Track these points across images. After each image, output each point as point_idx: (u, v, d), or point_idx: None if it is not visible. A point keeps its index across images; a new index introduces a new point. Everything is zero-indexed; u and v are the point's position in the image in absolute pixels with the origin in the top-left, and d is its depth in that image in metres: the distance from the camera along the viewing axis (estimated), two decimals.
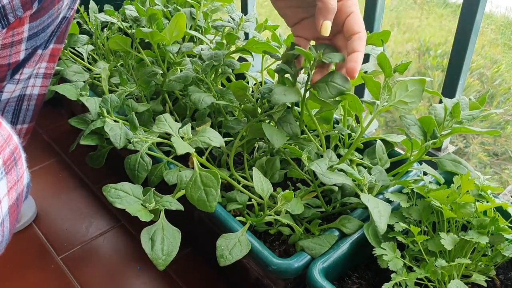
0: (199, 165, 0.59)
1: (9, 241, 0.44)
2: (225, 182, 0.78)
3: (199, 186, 0.57)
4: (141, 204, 0.60)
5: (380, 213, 0.59)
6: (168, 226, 0.59)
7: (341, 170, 0.65)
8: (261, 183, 0.61)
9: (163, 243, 0.57)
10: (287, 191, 0.62)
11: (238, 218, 0.68)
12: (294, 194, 0.68)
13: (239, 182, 0.72)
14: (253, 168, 0.62)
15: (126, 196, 0.60)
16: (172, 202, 0.60)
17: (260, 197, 0.67)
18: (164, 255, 0.57)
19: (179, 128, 0.63)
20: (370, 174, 0.68)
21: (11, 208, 0.42)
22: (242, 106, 0.74)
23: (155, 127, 0.62)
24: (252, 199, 0.69)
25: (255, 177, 0.60)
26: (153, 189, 0.61)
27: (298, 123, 0.70)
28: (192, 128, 0.86)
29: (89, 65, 0.98)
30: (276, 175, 0.73)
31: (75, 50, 1.00)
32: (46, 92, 0.82)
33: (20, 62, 0.71)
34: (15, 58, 0.68)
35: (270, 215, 0.64)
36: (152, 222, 0.60)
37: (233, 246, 0.61)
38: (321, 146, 0.77)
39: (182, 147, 0.57)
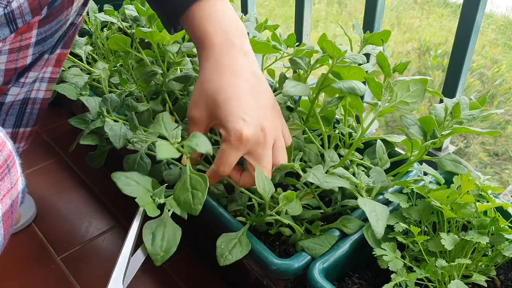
0: (191, 168, 0.59)
1: (3, 247, 0.44)
2: (224, 182, 0.78)
3: (187, 188, 0.57)
4: (151, 197, 0.59)
5: (377, 217, 0.59)
6: (171, 222, 0.59)
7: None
8: (263, 183, 0.61)
9: (163, 239, 0.57)
10: (288, 191, 0.62)
11: (238, 218, 0.67)
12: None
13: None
14: (256, 168, 0.61)
15: (136, 185, 0.60)
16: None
17: (261, 197, 0.67)
18: (162, 251, 0.56)
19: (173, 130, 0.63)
20: (369, 175, 0.68)
21: (5, 215, 0.42)
22: None
23: (151, 128, 0.61)
24: (253, 199, 0.69)
25: (257, 177, 0.60)
26: (165, 184, 0.61)
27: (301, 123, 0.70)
28: None
29: (88, 67, 0.98)
30: (277, 176, 0.73)
31: (74, 51, 1.00)
32: (50, 96, 0.82)
33: (27, 66, 0.71)
34: (22, 62, 0.68)
35: (271, 215, 0.64)
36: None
37: (233, 246, 0.61)
38: (322, 146, 0.77)
39: (164, 152, 0.55)
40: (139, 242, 0.58)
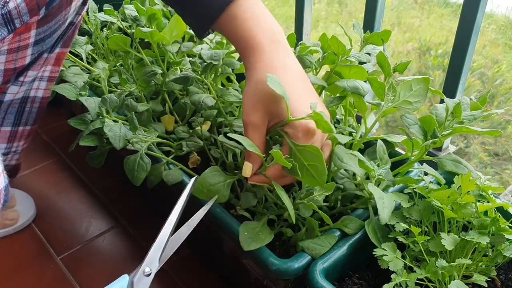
0: (293, 141, 0.59)
1: None
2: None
3: (302, 163, 0.57)
4: None
5: (384, 205, 0.60)
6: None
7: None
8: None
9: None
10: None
11: (243, 213, 0.68)
12: (294, 197, 0.68)
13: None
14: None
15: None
16: None
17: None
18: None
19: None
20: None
21: None
22: None
23: None
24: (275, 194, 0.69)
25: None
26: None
27: None
28: (191, 127, 0.85)
29: (88, 66, 0.98)
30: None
31: (74, 50, 1.00)
32: (49, 95, 0.82)
33: (26, 66, 0.71)
34: (21, 62, 0.68)
35: (306, 201, 0.64)
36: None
37: (256, 233, 0.61)
38: None
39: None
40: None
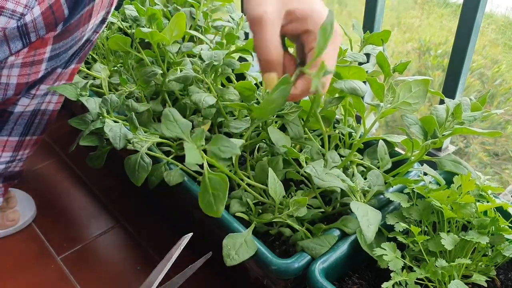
0: (208, 169, 0.58)
1: None
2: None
3: (208, 190, 0.56)
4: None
5: (369, 222, 0.58)
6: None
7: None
8: (275, 186, 0.62)
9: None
10: (300, 196, 0.63)
11: (238, 214, 0.67)
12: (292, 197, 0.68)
13: (242, 180, 0.72)
14: (269, 169, 0.62)
15: None
16: None
17: (267, 198, 0.68)
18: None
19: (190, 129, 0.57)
20: (366, 178, 0.68)
21: None
22: (249, 106, 0.74)
23: (164, 128, 0.55)
24: (259, 199, 0.69)
25: (270, 178, 0.61)
26: None
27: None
28: (192, 127, 0.85)
29: (87, 71, 0.97)
30: (279, 176, 0.73)
31: None
32: (59, 108, 0.82)
33: (38, 80, 0.70)
34: (34, 77, 0.68)
35: (280, 218, 0.64)
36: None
37: (240, 246, 0.61)
38: (322, 146, 0.77)
39: (192, 157, 0.51)
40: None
